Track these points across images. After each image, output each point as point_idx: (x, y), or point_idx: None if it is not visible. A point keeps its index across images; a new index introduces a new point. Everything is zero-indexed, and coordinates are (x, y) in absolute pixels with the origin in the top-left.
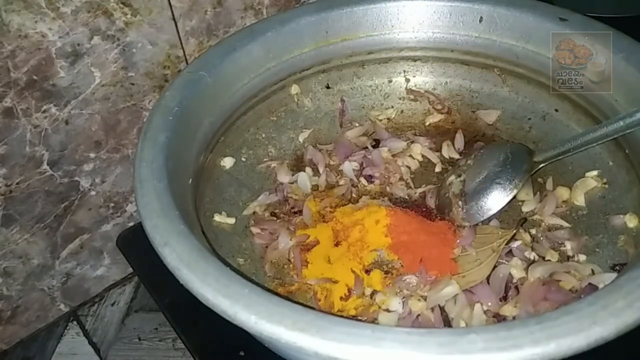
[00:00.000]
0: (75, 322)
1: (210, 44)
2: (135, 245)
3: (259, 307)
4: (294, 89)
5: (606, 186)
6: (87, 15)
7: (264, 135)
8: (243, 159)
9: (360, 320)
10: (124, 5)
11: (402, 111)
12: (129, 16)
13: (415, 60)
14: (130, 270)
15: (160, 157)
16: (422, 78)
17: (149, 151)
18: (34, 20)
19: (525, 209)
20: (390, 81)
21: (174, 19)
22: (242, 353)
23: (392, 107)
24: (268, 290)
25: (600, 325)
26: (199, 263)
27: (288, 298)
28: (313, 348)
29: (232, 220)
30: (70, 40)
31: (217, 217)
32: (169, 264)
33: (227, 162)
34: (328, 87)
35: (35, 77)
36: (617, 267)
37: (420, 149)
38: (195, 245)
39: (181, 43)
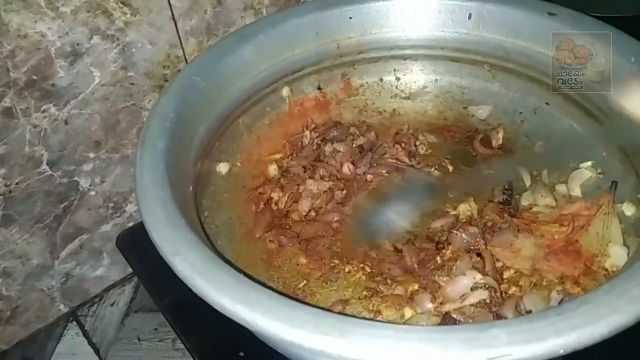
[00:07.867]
0: (74, 323)
1: (210, 43)
2: (135, 245)
3: (279, 313)
4: (285, 91)
5: (601, 176)
6: (86, 14)
7: (257, 139)
8: (238, 164)
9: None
10: (124, 4)
11: (394, 109)
12: (128, 16)
13: (405, 59)
14: (130, 270)
15: (160, 165)
16: (412, 76)
17: (149, 160)
18: (33, 20)
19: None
20: (381, 80)
21: (173, 18)
22: (241, 353)
23: (385, 105)
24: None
25: (618, 313)
26: (212, 271)
27: (300, 301)
28: (338, 351)
29: None
30: (69, 40)
31: (217, 223)
32: (180, 273)
33: (223, 168)
34: (319, 89)
35: (34, 77)
36: None
37: None
38: (207, 253)
39: (181, 43)
